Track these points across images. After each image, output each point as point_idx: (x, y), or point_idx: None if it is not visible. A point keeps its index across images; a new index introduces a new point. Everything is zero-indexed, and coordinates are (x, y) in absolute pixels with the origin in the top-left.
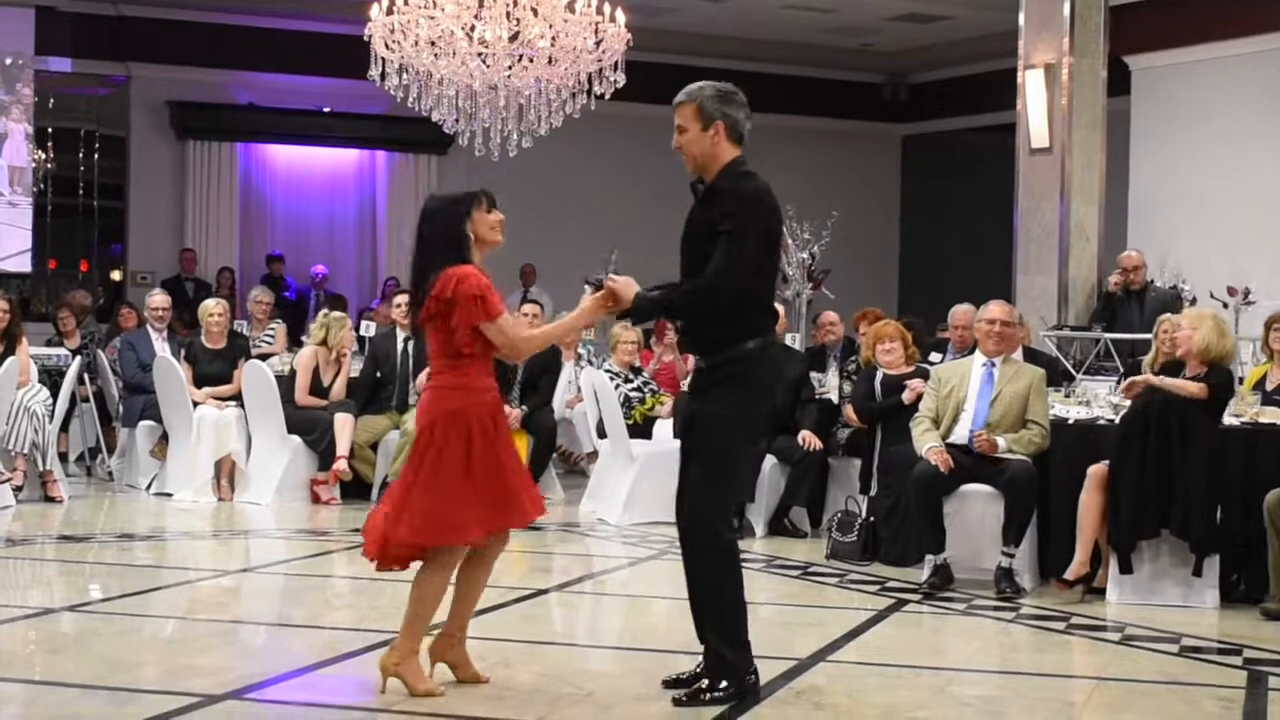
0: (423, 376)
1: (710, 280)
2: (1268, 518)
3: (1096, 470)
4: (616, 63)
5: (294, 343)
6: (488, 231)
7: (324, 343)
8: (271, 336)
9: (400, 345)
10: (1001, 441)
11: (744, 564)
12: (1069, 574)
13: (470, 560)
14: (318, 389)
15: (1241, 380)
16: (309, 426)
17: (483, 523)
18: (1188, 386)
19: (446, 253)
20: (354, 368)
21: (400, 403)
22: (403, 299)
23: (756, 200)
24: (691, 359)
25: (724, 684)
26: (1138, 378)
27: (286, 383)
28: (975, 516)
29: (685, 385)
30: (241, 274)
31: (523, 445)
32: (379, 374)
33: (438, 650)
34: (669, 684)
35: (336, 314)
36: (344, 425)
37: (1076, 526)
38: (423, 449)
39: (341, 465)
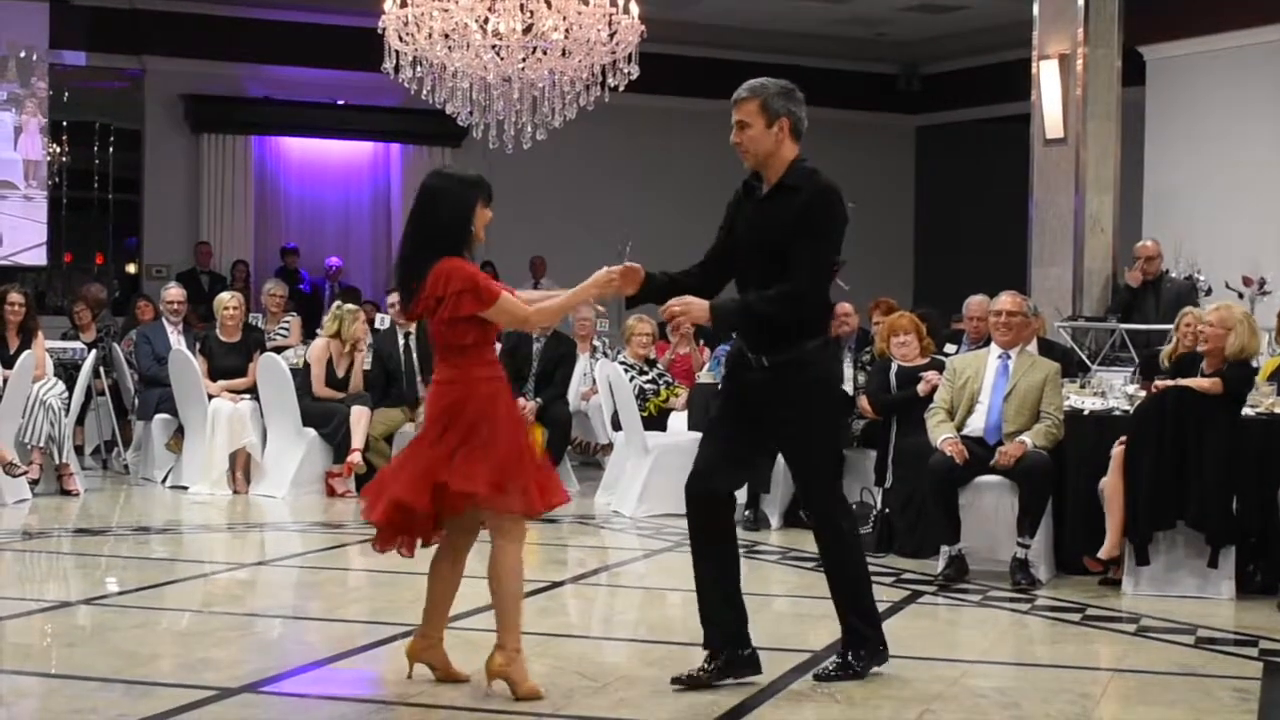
0: None
1: (800, 285)
2: None
3: (1120, 452)
4: (630, 55)
5: (309, 335)
6: (481, 229)
7: (337, 334)
8: (286, 329)
9: (401, 341)
10: (1028, 440)
11: (758, 556)
12: (1102, 553)
13: (441, 556)
14: (333, 380)
15: (1256, 371)
16: (324, 419)
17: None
18: (1204, 385)
19: (442, 242)
20: (369, 361)
21: (410, 397)
22: (394, 298)
23: (836, 200)
24: (708, 350)
25: (863, 653)
26: (1162, 383)
27: (301, 375)
28: (990, 508)
29: (702, 375)
30: (256, 267)
31: (538, 437)
32: (386, 370)
33: (415, 650)
34: (679, 681)
35: (349, 306)
36: (359, 418)
37: (1104, 509)
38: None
39: (355, 458)
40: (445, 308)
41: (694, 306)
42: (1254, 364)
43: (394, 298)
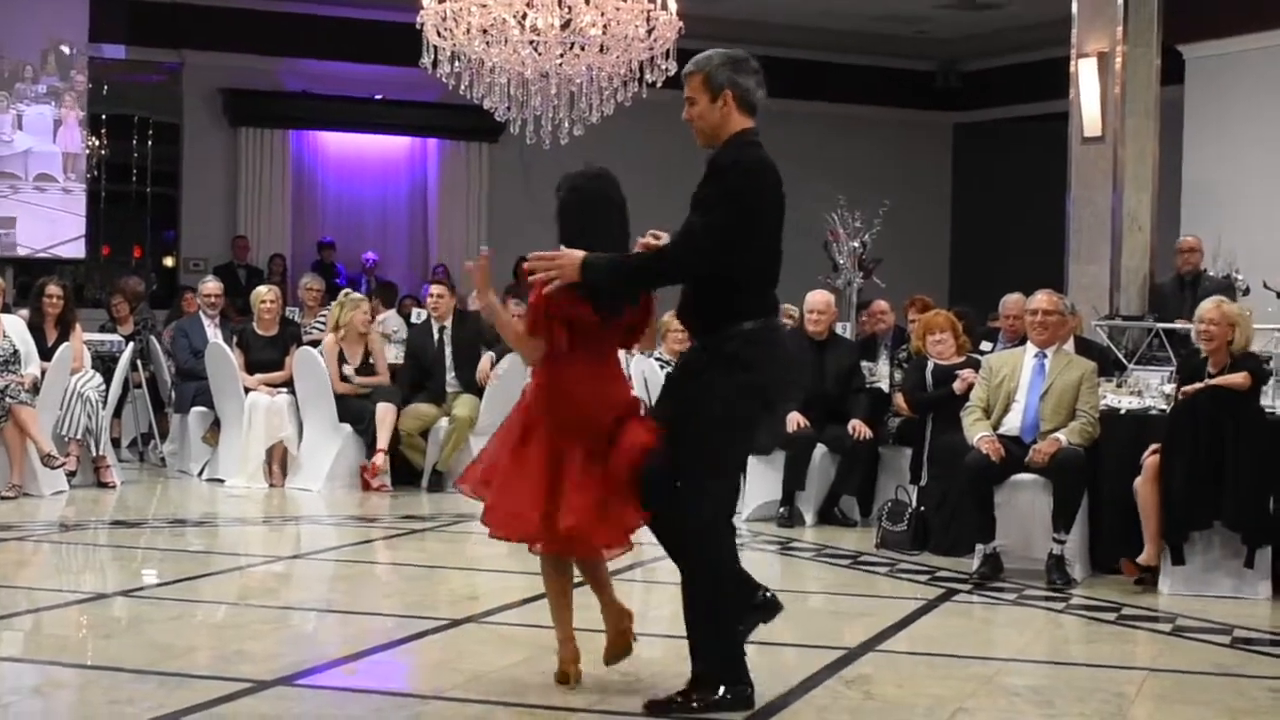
0: (484, 366)
1: (666, 251)
2: None
3: (1153, 461)
4: (668, 50)
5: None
6: None
7: (338, 326)
8: (323, 323)
9: (436, 335)
10: (1062, 437)
11: (793, 553)
12: (1142, 559)
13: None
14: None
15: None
16: (358, 415)
17: None
18: (1235, 380)
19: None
20: (397, 353)
21: (440, 393)
22: (436, 289)
23: (736, 170)
24: None
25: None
26: (1191, 387)
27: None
28: (1026, 506)
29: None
30: (293, 260)
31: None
32: (420, 365)
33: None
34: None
35: (353, 295)
36: (385, 416)
37: (1141, 517)
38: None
39: (379, 460)
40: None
41: (564, 263)
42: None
43: (437, 289)
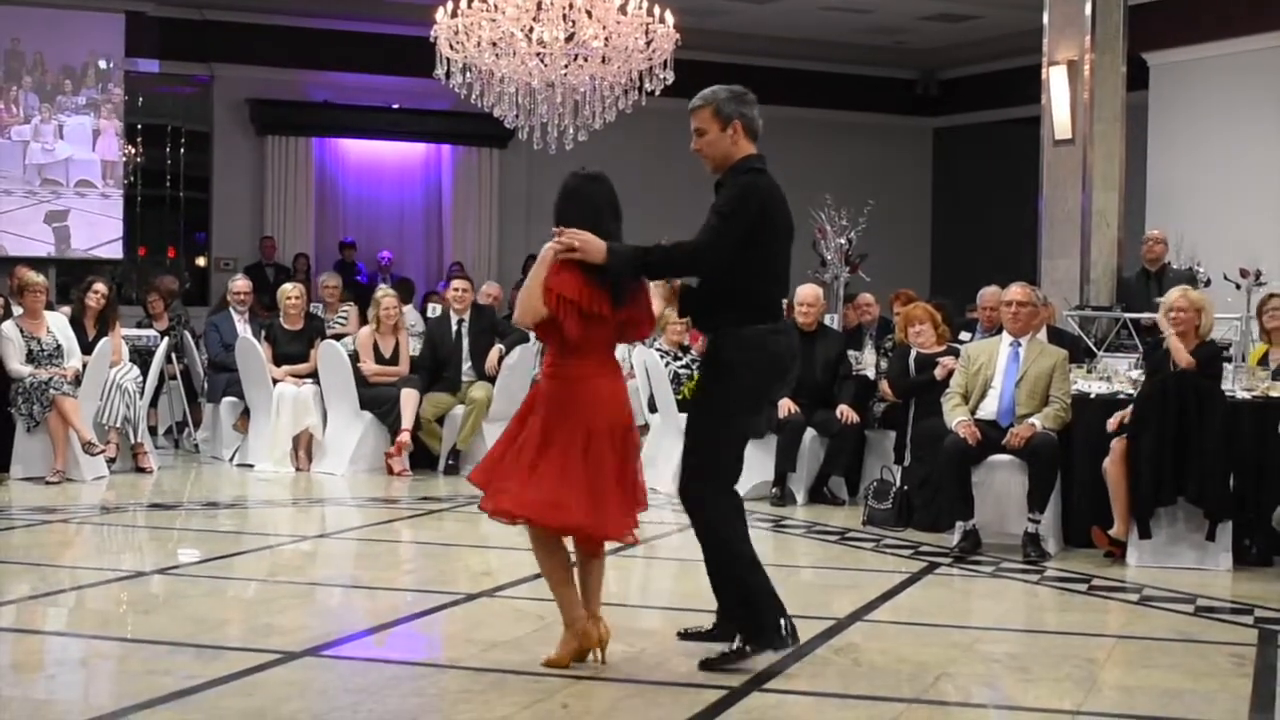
0: (492, 357)
1: (687, 245)
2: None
3: (1120, 444)
4: (666, 61)
5: (365, 323)
6: None
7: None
8: (345, 318)
9: (454, 328)
10: (1037, 422)
11: (785, 530)
12: (1113, 533)
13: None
14: (380, 360)
15: (1244, 359)
16: (379, 402)
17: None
18: (1183, 360)
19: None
20: (415, 346)
21: (455, 383)
22: (459, 283)
23: (750, 190)
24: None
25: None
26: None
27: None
28: (1002, 485)
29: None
30: (316, 260)
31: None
32: (438, 356)
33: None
34: (684, 635)
35: (382, 291)
36: (408, 400)
37: (1110, 496)
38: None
39: (404, 438)
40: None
41: (591, 245)
42: (1245, 349)
43: (461, 283)
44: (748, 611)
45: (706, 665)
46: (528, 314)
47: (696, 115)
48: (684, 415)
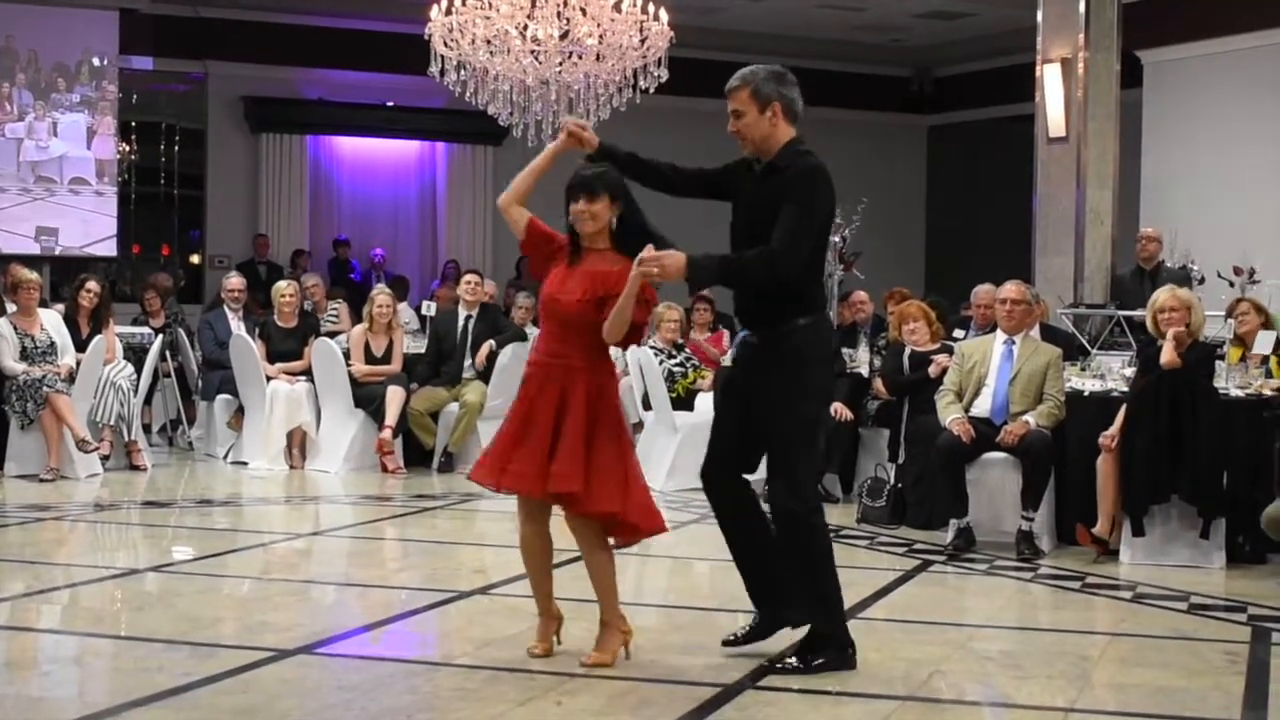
0: (482, 353)
1: (776, 246)
2: (1267, 528)
3: (1110, 441)
4: (660, 59)
5: (358, 321)
6: (577, 220)
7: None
8: (335, 316)
9: (461, 323)
10: (1031, 420)
11: None
12: (1096, 530)
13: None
14: (371, 359)
15: (1222, 358)
16: (373, 400)
17: None
18: (1169, 360)
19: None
20: (409, 344)
21: (456, 377)
22: (472, 278)
23: (821, 177)
24: (726, 337)
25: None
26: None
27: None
28: (996, 483)
29: (727, 359)
30: (310, 257)
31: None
32: (442, 349)
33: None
34: (728, 643)
35: (377, 290)
36: (393, 397)
37: (1098, 493)
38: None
39: (385, 435)
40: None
41: (669, 263)
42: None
43: (474, 277)
44: (830, 623)
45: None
46: (618, 335)
47: (734, 96)
48: (678, 413)
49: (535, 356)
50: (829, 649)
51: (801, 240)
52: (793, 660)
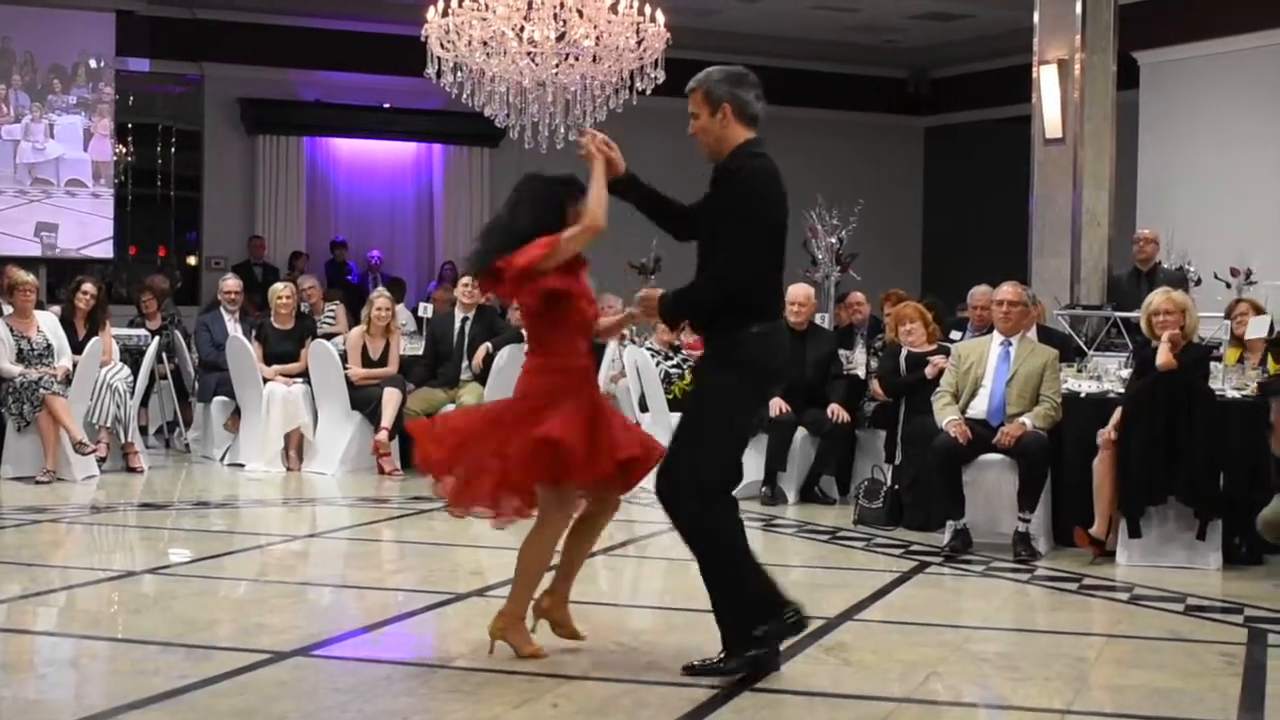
0: (479, 355)
1: (722, 269)
2: (1263, 530)
3: (1107, 441)
4: (657, 60)
5: (355, 322)
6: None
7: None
8: (333, 317)
9: (458, 325)
10: (1028, 421)
11: (776, 529)
12: (1094, 531)
13: (577, 526)
14: (368, 363)
15: (1219, 359)
16: (370, 402)
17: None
18: (1164, 361)
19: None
20: (406, 346)
21: (453, 379)
22: (470, 280)
23: (760, 183)
24: None
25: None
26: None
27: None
28: (993, 484)
29: None
30: (307, 259)
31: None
32: (439, 351)
33: (541, 608)
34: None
35: (377, 293)
36: (389, 399)
37: (1094, 494)
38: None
39: (381, 437)
40: (507, 287)
41: (651, 304)
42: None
43: (467, 279)
44: (747, 620)
45: (691, 670)
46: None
47: (691, 98)
48: (675, 414)
49: (583, 360)
50: (748, 648)
51: (745, 257)
52: (714, 661)
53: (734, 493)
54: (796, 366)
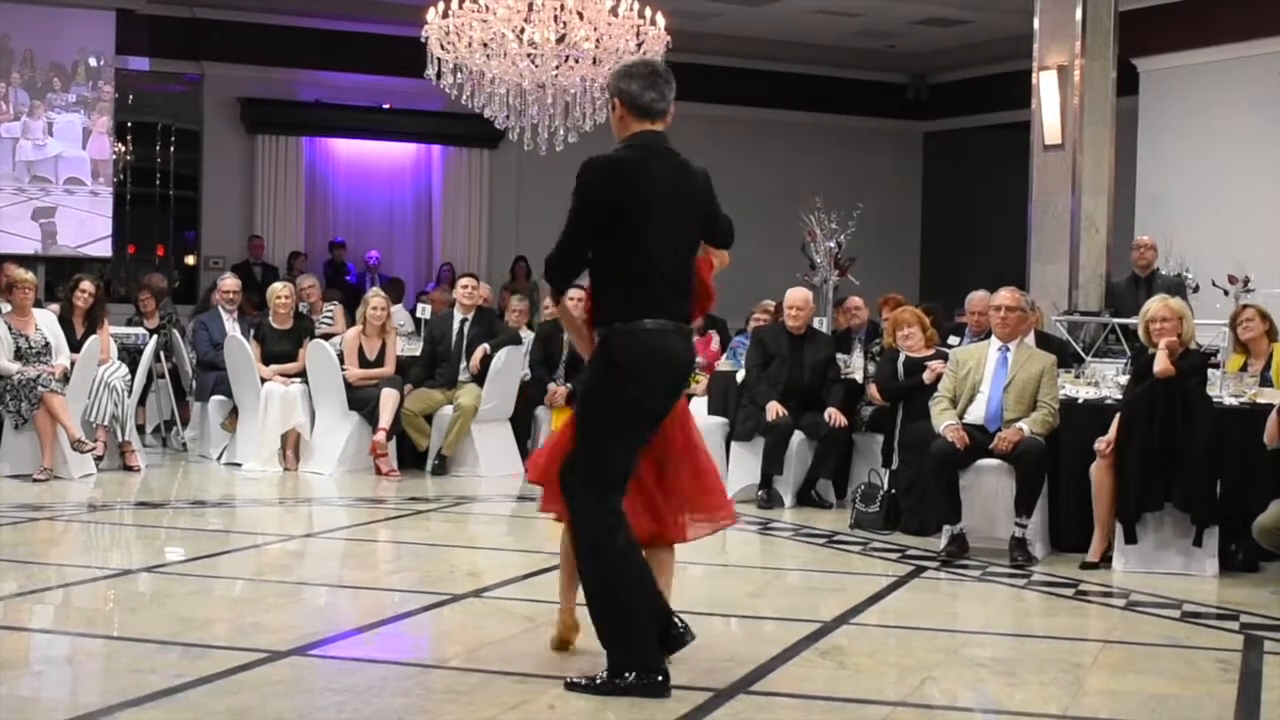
0: (476, 356)
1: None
2: (1259, 537)
3: (1105, 451)
4: None
5: (352, 323)
6: None
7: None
8: (330, 317)
9: (456, 326)
10: (1025, 426)
11: (772, 533)
12: (1091, 555)
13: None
14: (364, 363)
15: (1216, 366)
16: (367, 403)
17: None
18: (1162, 368)
19: None
20: (404, 346)
21: (451, 380)
22: (468, 281)
23: (591, 171)
24: (715, 340)
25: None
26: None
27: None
28: (989, 489)
29: (721, 363)
30: (306, 259)
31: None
32: (435, 352)
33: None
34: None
35: (372, 293)
36: (387, 400)
37: (1092, 500)
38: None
39: (379, 438)
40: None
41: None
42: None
43: (470, 281)
44: (627, 647)
45: (572, 686)
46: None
47: None
48: None
49: None
50: (627, 671)
51: (563, 239)
52: (594, 678)
53: (730, 494)
54: (794, 370)
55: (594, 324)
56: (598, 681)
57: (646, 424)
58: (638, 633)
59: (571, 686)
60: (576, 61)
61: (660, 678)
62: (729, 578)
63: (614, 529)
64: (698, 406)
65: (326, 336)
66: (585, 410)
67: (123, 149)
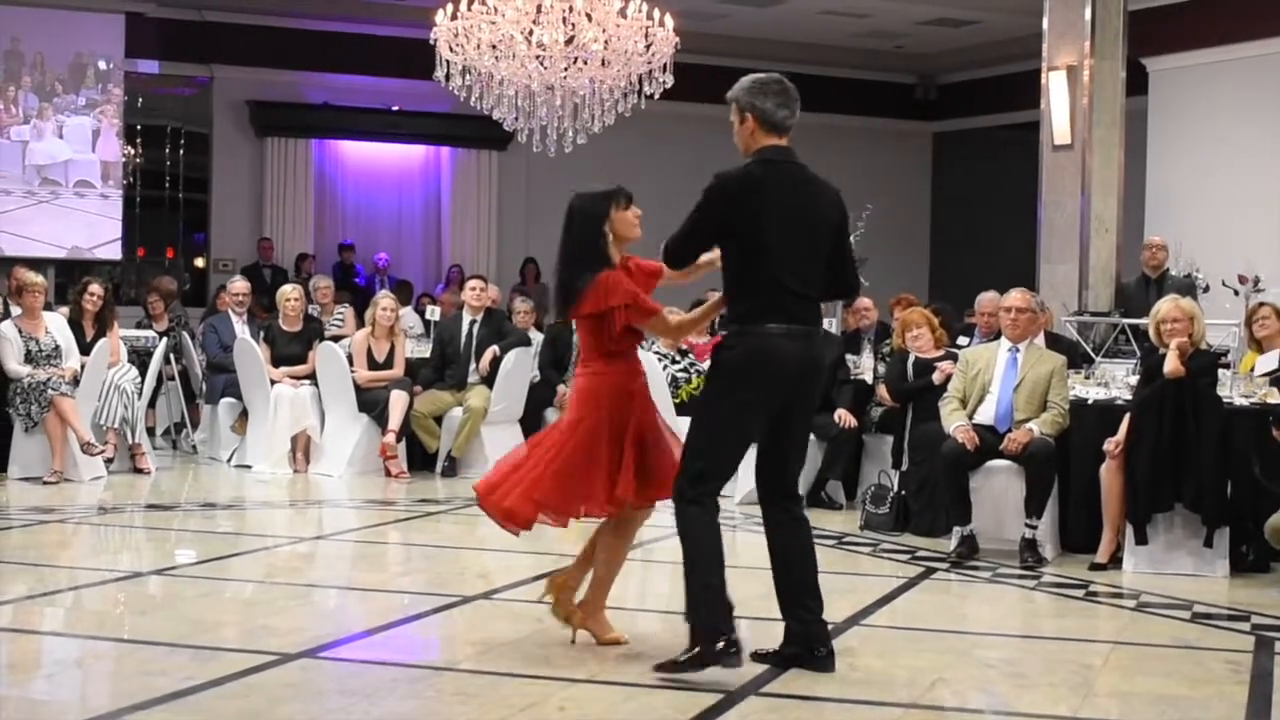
0: (485, 358)
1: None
2: (1270, 537)
3: (1112, 452)
4: (665, 64)
5: (362, 324)
6: (627, 229)
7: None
8: (341, 320)
9: (466, 328)
10: (1035, 427)
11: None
12: (1101, 556)
13: (611, 530)
14: (373, 365)
15: (1227, 366)
16: (377, 405)
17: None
18: (1173, 369)
19: (589, 257)
20: (413, 348)
21: (461, 381)
22: (477, 283)
23: (718, 184)
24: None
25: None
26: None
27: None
28: (999, 490)
29: None
30: (315, 262)
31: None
32: (445, 353)
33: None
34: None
35: (381, 294)
36: (397, 402)
37: (1102, 501)
38: (571, 430)
39: (389, 439)
40: (615, 318)
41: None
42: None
43: (479, 283)
44: (696, 624)
45: (661, 668)
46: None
47: (732, 109)
48: (682, 418)
49: (641, 381)
50: (697, 644)
51: (682, 237)
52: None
53: (740, 498)
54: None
55: (725, 323)
56: (682, 660)
57: (756, 421)
58: (725, 607)
59: (659, 668)
60: (585, 63)
61: (731, 650)
62: (740, 579)
63: (709, 523)
64: None
65: (337, 338)
66: (699, 403)
67: (132, 152)
